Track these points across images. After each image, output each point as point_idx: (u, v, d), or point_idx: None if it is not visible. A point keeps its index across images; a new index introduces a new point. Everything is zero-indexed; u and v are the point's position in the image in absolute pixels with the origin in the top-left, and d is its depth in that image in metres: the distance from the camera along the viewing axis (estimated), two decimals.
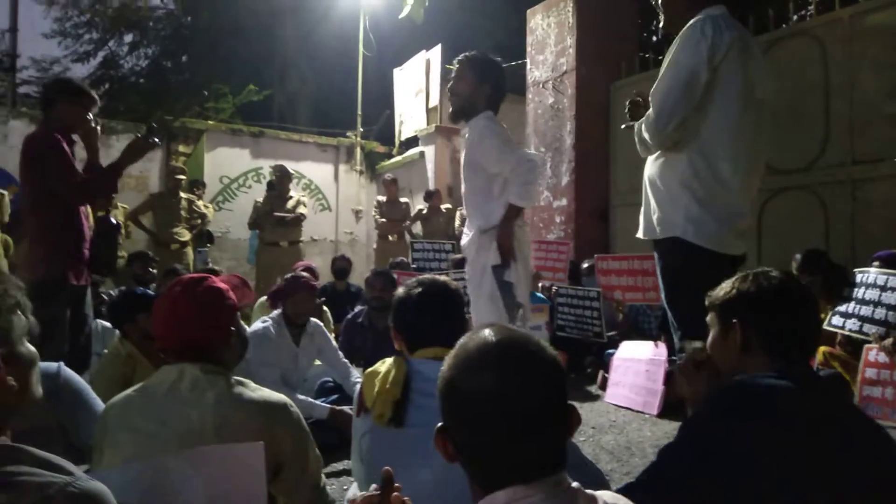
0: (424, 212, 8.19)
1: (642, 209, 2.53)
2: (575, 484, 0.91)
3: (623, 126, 2.73)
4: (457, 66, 2.82)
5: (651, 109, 2.40)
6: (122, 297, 3.22)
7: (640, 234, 2.57)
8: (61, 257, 3.07)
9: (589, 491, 0.91)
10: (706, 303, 1.56)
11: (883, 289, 3.54)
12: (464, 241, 2.86)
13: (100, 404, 1.70)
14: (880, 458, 1.27)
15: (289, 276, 3.70)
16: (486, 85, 2.76)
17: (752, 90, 2.34)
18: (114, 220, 3.44)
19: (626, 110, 2.74)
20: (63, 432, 1.64)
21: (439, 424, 0.95)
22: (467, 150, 2.78)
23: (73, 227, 3.15)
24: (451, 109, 2.86)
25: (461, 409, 0.92)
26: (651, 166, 2.51)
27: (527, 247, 2.82)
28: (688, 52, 2.30)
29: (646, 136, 2.44)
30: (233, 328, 1.70)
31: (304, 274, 3.73)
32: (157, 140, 3.30)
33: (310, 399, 3.32)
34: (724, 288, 1.52)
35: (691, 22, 2.34)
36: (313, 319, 3.71)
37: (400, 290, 1.81)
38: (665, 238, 2.39)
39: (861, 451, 1.26)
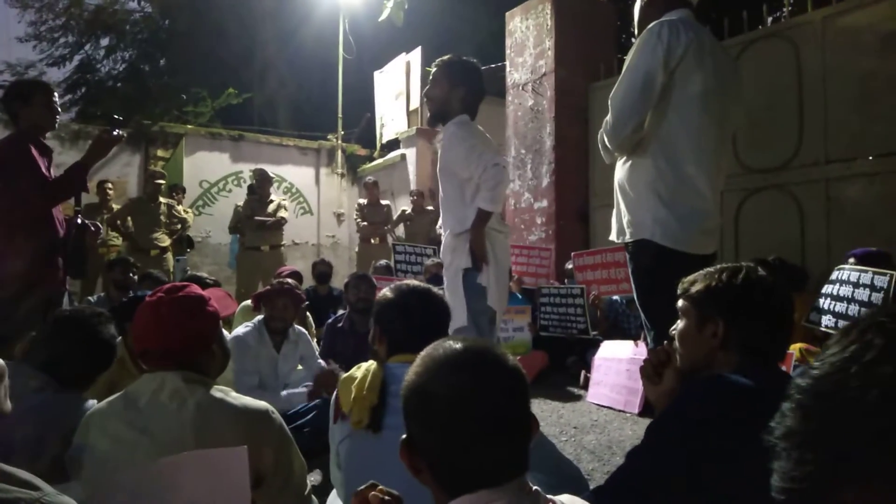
0: (408, 212, 8.20)
1: (614, 212, 2.57)
2: (535, 488, 0.93)
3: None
4: (433, 70, 2.85)
5: (609, 114, 2.44)
6: (127, 300, 3.20)
7: (612, 237, 2.61)
8: (35, 263, 3.03)
9: (549, 496, 0.94)
10: (678, 290, 1.54)
11: (856, 285, 3.60)
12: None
13: None
14: None
15: (275, 281, 3.69)
16: (459, 88, 2.78)
17: (712, 91, 2.37)
18: (80, 221, 3.35)
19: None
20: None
21: (403, 437, 0.96)
22: (440, 156, 2.81)
23: (45, 233, 3.12)
24: (429, 114, 2.90)
25: (431, 413, 0.93)
26: (620, 170, 2.54)
27: (503, 253, 2.81)
28: (644, 56, 2.35)
29: (606, 141, 2.48)
30: (214, 337, 1.71)
31: (291, 281, 3.71)
32: (121, 133, 3.28)
33: (285, 393, 3.33)
34: (707, 280, 1.50)
35: (649, 26, 2.38)
36: (297, 326, 3.71)
37: (388, 293, 1.80)
38: (635, 240, 2.43)
39: None
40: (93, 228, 3.39)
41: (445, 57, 2.89)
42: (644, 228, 2.38)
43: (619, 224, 2.52)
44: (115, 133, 3.21)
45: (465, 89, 2.78)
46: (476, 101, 2.85)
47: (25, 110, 3.12)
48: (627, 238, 2.46)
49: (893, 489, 0.54)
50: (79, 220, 3.31)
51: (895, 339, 0.58)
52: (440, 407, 0.92)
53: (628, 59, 2.44)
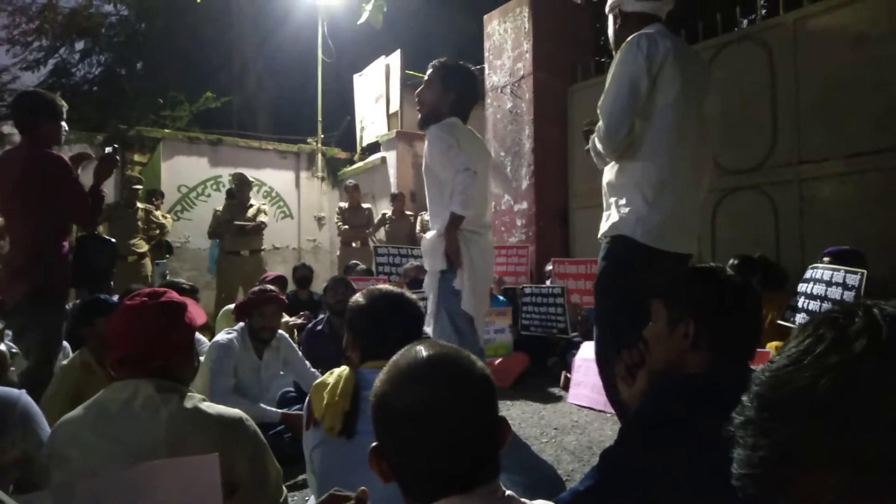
0: (389, 214, 8.19)
1: (603, 213, 2.62)
2: (509, 492, 0.93)
3: (586, 149, 2.81)
4: (428, 72, 2.88)
5: (601, 122, 2.53)
6: (82, 303, 3.22)
7: (599, 236, 2.65)
8: (58, 272, 3.13)
9: (525, 500, 0.93)
10: (655, 291, 1.54)
11: (829, 284, 3.66)
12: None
13: (48, 432, 1.67)
14: None
15: (256, 288, 3.63)
16: (450, 92, 2.82)
17: (691, 95, 2.48)
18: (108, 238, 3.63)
19: (584, 131, 2.86)
20: (16, 463, 1.60)
21: (373, 444, 0.96)
22: (424, 157, 2.84)
23: (64, 245, 3.22)
24: (419, 116, 2.92)
25: (393, 425, 0.93)
26: (608, 172, 2.64)
27: (481, 256, 2.81)
28: (626, 64, 2.45)
29: (600, 147, 2.56)
30: (192, 344, 1.70)
31: (271, 287, 3.67)
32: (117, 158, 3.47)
33: (262, 405, 3.32)
34: (680, 280, 1.51)
35: (628, 39, 2.50)
36: (279, 330, 3.69)
37: (360, 298, 1.79)
38: (614, 235, 2.49)
39: None
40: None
41: (440, 60, 2.93)
42: (626, 225, 2.45)
43: (606, 223, 2.58)
44: (116, 157, 3.37)
45: (456, 94, 2.83)
46: (468, 105, 2.91)
47: (50, 127, 3.15)
48: (607, 232, 2.52)
49: (842, 473, 0.57)
50: (106, 236, 3.58)
51: (845, 332, 0.60)
52: (401, 419, 0.92)
53: (611, 71, 2.54)
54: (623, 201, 2.50)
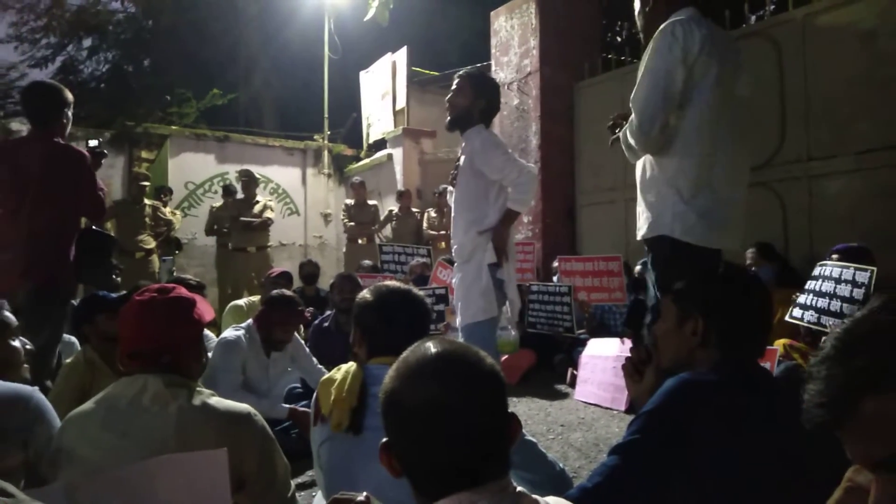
0: (395, 211, 8.19)
1: (637, 210, 2.56)
2: (519, 488, 0.93)
3: (611, 143, 2.77)
4: (457, 80, 3.00)
5: (633, 116, 2.42)
6: (82, 301, 3.21)
7: (638, 236, 2.59)
8: (64, 272, 3.12)
9: (534, 496, 0.93)
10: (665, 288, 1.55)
11: (837, 281, 3.63)
12: (455, 243, 2.97)
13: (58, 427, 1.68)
14: (825, 456, 1.31)
15: (276, 296, 3.57)
16: (481, 100, 2.92)
17: (726, 85, 2.37)
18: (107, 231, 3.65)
19: (609, 126, 2.80)
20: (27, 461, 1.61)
21: (383, 440, 0.96)
22: (466, 157, 2.89)
23: (72, 243, 3.20)
24: (448, 119, 3.01)
25: (403, 422, 0.94)
26: (640, 166, 2.54)
27: (512, 252, 2.99)
28: (661, 56, 2.33)
29: (632, 142, 2.46)
30: (200, 340, 1.71)
31: (290, 294, 3.64)
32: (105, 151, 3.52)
33: (269, 401, 3.33)
34: (690, 278, 1.51)
35: (661, 27, 2.37)
36: None
37: (367, 295, 1.80)
38: (654, 236, 2.42)
39: (811, 451, 1.29)
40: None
41: (469, 69, 3.09)
42: (664, 225, 2.37)
43: (642, 222, 2.51)
44: (103, 151, 3.44)
45: (486, 101, 2.94)
46: (493, 114, 3.04)
47: (63, 119, 3.14)
48: (648, 234, 2.44)
49: None
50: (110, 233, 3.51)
51: None
52: (411, 416, 0.92)
53: (643, 62, 2.42)
54: (653, 197, 2.42)
